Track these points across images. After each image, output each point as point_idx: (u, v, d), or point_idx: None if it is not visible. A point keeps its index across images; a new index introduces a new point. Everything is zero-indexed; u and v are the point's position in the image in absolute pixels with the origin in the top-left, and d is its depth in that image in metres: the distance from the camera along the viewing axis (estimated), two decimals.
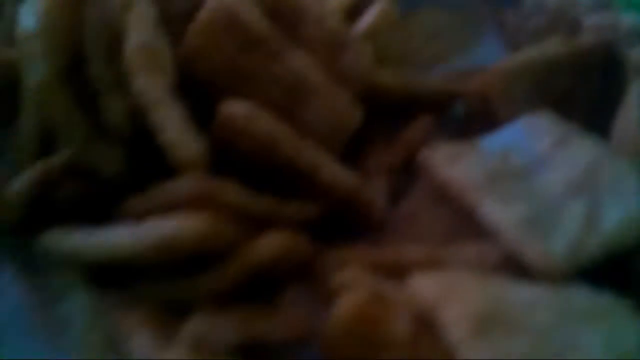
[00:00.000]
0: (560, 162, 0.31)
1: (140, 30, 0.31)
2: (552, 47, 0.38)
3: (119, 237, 0.28)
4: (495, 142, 0.33)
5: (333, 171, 0.31)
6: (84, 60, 0.32)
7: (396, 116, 0.38)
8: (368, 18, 0.39)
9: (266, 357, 0.28)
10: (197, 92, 0.32)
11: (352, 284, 0.27)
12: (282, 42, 0.33)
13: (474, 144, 0.33)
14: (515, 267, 0.28)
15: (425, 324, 0.25)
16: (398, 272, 0.28)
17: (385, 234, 0.33)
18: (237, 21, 0.32)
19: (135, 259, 0.27)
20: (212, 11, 0.32)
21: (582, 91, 0.37)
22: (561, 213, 0.29)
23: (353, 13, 0.39)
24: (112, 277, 0.29)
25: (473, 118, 0.38)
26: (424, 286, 0.26)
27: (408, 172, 0.35)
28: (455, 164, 0.32)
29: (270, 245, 0.29)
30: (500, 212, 0.29)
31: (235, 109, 0.31)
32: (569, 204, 0.29)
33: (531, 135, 0.33)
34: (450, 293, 0.26)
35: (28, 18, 0.32)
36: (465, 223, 0.30)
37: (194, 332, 0.27)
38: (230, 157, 0.31)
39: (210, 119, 0.31)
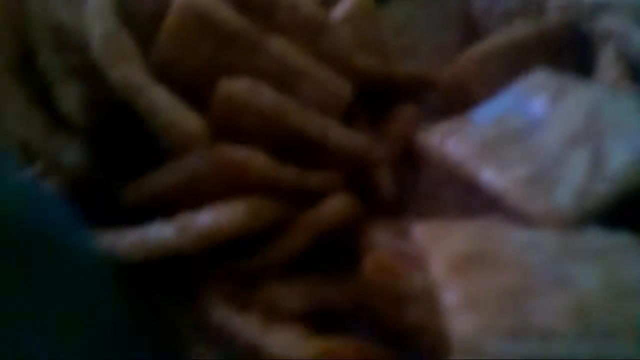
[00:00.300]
0: (559, 115, 0.31)
1: (101, 21, 0.31)
2: (520, 29, 0.40)
3: (161, 235, 0.28)
4: (490, 110, 0.33)
5: (342, 133, 0.32)
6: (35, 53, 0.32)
7: (376, 101, 0.39)
8: (344, 5, 0.40)
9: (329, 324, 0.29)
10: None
11: (376, 245, 0.27)
12: (258, 32, 0.33)
13: (467, 117, 0.33)
14: None
15: None
16: None
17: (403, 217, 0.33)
18: (208, 19, 0.32)
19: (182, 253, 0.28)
20: (180, 13, 0.32)
21: (555, 70, 0.38)
22: (564, 165, 0.29)
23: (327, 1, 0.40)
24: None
25: (450, 105, 0.39)
26: (419, 232, 0.26)
27: (408, 161, 0.36)
28: (450, 140, 0.32)
29: (336, 208, 0.30)
30: (500, 177, 0.29)
31: (235, 85, 0.31)
32: (572, 155, 0.29)
33: (526, 95, 0.33)
34: (441, 235, 0.26)
35: None
36: (480, 193, 0.30)
37: (266, 299, 0.28)
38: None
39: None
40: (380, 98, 0.39)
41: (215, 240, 0.28)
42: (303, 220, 0.30)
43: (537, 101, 0.33)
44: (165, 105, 0.29)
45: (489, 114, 0.33)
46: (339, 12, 0.40)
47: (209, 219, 0.28)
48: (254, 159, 0.29)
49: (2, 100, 0.32)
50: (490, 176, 0.30)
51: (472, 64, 0.39)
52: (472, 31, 0.45)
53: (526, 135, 0.31)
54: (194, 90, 0.32)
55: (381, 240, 0.28)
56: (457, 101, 0.38)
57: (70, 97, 0.32)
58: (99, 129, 0.33)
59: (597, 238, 0.26)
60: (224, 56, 0.32)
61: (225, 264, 0.30)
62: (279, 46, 0.33)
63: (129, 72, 0.30)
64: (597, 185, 0.28)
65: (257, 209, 0.29)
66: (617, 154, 0.29)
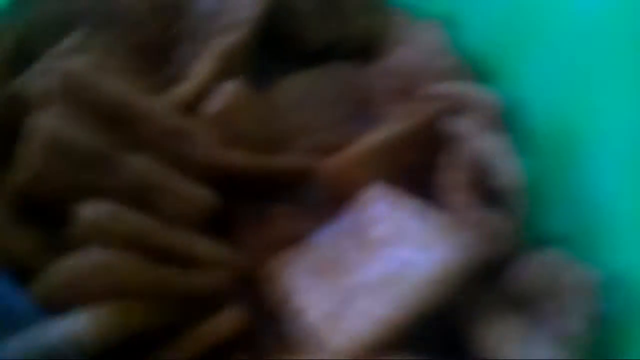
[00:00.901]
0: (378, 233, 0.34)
1: None
2: (400, 122, 0.41)
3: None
4: (330, 231, 0.36)
5: (208, 248, 0.35)
6: None
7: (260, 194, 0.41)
8: (216, 100, 0.41)
9: None
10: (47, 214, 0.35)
11: None
12: (117, 150, 0.35)
13: (309, 241, 0.36)
14: None
15: None
16: None
17: None
18: (66, 143, 0.34)
19: None
20: (39, 139, 0.34)
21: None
22: (363, 291, 0.32)
23: (199, 99, 0.41)
24: None
25: (331, 200, 0.40)
26: None
27: None
28: (287, 273, 0.35)
29: (230, 322, 0.32)
30: (311, 312, 0.32)
31: (95, 210, 0.32)
32: (370, 274, 0.32)
33: (363, 214, 0.36)
34: None
35: None
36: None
37: None
38: None
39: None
40: (263, 189, 0.41)
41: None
42: (192, 334, 0.31)
43: (370, 218, 0.35)
44: None
45: (328, 235, 0.36)
46: (211, 107, 0.40)
47: (77, 324, 0.28)
48: (122, 261, 0.31)
49: None
50: (303, 312, 0.32)
51: (353, 164, 0.40)
52: (360, 106, 0.46)
53: (346, 259, 0.34)
54: (60, 211, 0.33)
55: None
56: (338, 197, 0.39)
57: None
58: None
59: None
60: (87, 176, 0.34)
61: None
62: (137, 163, 0.35)
63: None
64: (387, 309, 0.31)
65: (123, 315, 0.29)
66: (413, 269, 0.32)
